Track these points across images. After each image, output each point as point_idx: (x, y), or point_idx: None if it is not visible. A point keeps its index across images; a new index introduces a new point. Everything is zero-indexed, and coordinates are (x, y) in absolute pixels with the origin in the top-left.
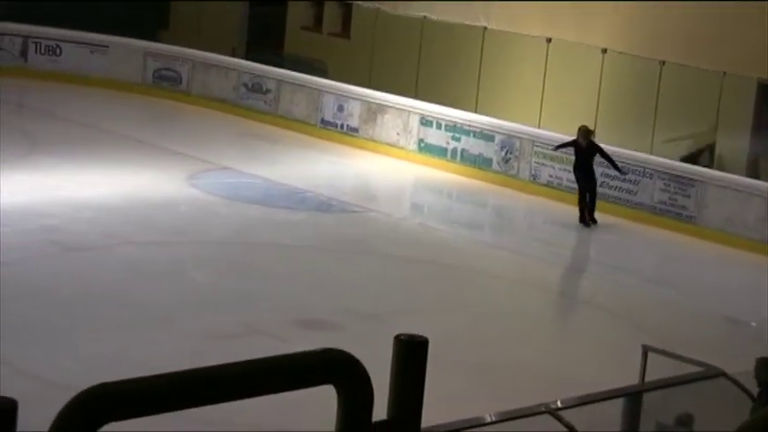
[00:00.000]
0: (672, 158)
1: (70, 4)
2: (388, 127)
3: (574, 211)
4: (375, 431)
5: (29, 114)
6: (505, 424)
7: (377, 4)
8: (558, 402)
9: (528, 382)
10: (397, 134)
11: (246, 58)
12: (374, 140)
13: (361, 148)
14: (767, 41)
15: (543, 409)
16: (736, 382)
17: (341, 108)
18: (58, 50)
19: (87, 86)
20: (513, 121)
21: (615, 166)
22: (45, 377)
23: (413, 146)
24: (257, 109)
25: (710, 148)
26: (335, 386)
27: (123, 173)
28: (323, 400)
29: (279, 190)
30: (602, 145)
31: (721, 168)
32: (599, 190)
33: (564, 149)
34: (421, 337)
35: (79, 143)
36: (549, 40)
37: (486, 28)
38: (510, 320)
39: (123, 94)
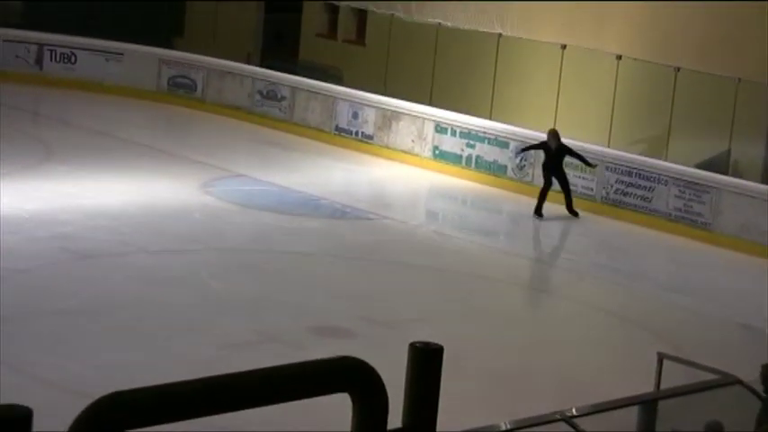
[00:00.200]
0: (687, 165)
1: (85, 11)
2: (402, 134)
3: (589, 218)
4: None
5: (44, 122)
6: (520, 431)
7: (397, 5)
8: (573, 410)
9: (543, 390)
10: (412, 141)
11: (261, 66)
12: (389, 147)
13: (375, 155)
14: None
15: (558, 416)
16: (751, 390)
17: (356, 115)
18: (73, 58)
19: (102, 94)
20: (527, 128)
21: (586, 162)
22: (60, 385)
23: (428, 153)
24: (272, 116)
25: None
26: (351, 394)
27: (138, 180)
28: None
29: (294, 197)
30: (610, 150)
31: (736, 175)
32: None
33: (533, 151)
34: (436, 344)
35: (94, 151)
36: (563, 47)
37: (500, 34)
38: (526, 327)
39: (138, 102)
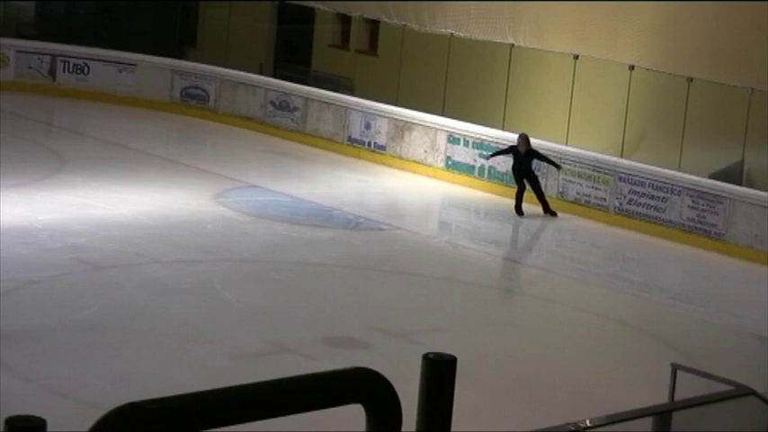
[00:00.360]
0: (700, 175)
1: (98, 22)
2: (415, 144)
3: (602, 229)
4: None
5: (57, 133)
6: None
7: (410, 16)
8: (587, 421)
9: (556, 400)
10: (425, 151)
11: (274, 76)
12: (401, 158)
13: (388, 165)
14: None
15: (572, 427)
16: (766, 401)
17: (368, 125)
18: (85, 69)
19: (115, 105)
20: (540, 138)
21: (553, 164)
22: (73, 396)
23: (440, 163)
24: (285, 127)
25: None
26: (364, 405)
27: (151, 191)
28: (347, 415)
29: (306, 208)
30: (623, 160)
31: (750, 185)
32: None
33: (502, 156)
34: (449, 355)
35: (107, 161)
36: (576, 57)
37: (513, 45)
38: (538, 338)
39: (151, 113)
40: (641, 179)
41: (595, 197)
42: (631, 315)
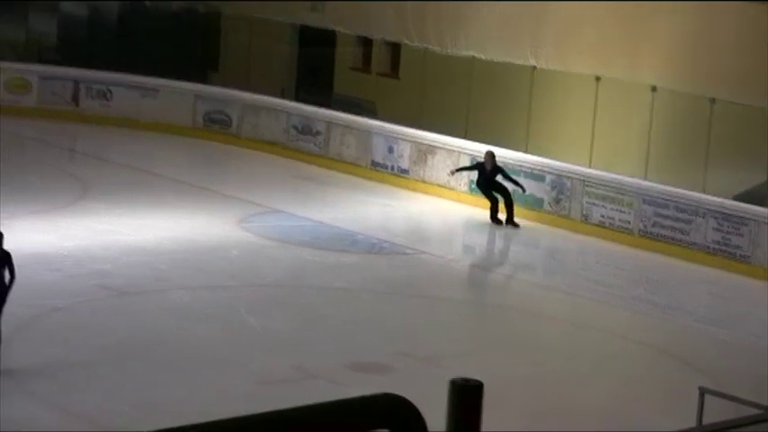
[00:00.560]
0: (725, 197)
1: (120, 48)
2: (438, 168)
3: (626, 251)
4: None
5: (80, 159)
6: None
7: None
8: None
9: (583, 424)
10: (448, 175)
11: (296, 100)
12: (425, 182)
13: (411, 189)
14: None
15: None
16: None
17: (391, 149)
18: (108, 94)
19: (138, 130)
20: (563, 161)
21: (518, 184)
22: (99, 421)
23: (464, 187)
24: (308, 151)
25: None
26: (391, 431)
27: (175, 216)
28: None
29: (330, 232)
30: (649, 183)
31: None
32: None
33: (467, 171)
34: (476, 380)
35: (130, 187)
36: (598, 79)
37: (534, 67)
38: (565, 362)
39: (174, 138)
40: (665, 201)
41: (619, 220)
42: (656, 338)
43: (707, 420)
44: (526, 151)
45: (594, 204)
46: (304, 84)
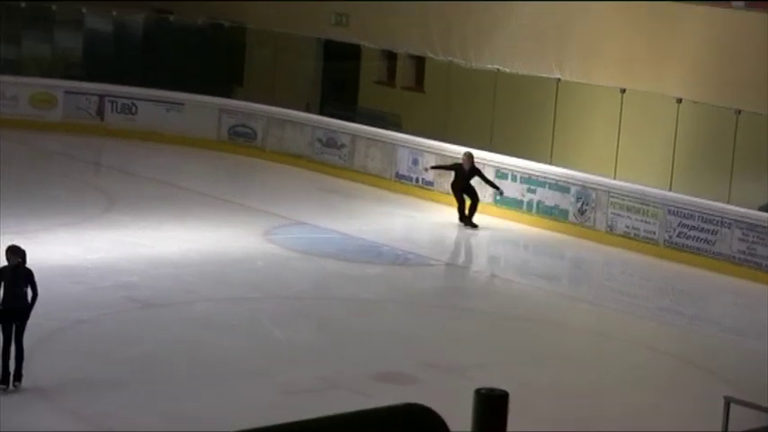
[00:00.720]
0: (750, 207)
1: (145, 62)
2: None
3: (652, 262)
4: None
5: (106, 172)
6: None
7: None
8: None
9: None
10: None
11: (321, 113)
12: (450, 194)
13: (436, 201)
14: None
15: None
16: None
17: (416, 161)
18: (133, 108)
19: (163, 144)
20: (588, 172)
21: (494, 186)
22: None
23: (488, 198)
24: (332, 164)
25: None
26: None
27: (200, 229)
28: None
29: (355, 244)
30: (674, 194)
31: None
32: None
33: (444, 171)
34: (501, 390)
35: (156, 200)
36: (623, 91)
37: (559, 79)
38: (590, 372)
39: (199, 151)
40: (690, 212)
41: (645, 230)
42: (682, 348)
43: (732, 430)
44: (551, 163)
45: (619, 215)
46: (329, 98)
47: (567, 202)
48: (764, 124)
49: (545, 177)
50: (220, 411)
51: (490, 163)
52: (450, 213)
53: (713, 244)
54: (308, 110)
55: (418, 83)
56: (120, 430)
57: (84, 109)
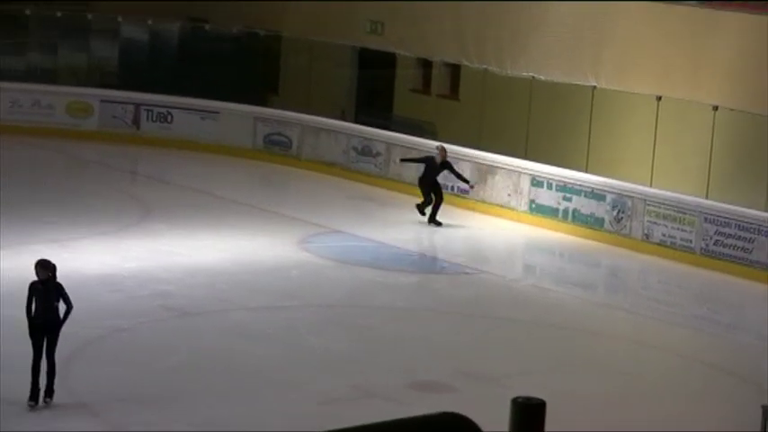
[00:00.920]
0: None
1: (181, 71)
2: (498, 188)
3: (688, 270)
4: None
5: (141, 181)
6: None
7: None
8: None
9: None
10: (508, 195)
11: (356, 122)
12: (485, 202)
13: (471, 209)
14: None
15: None
16: None
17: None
18: (169, 117)
19: (198, 152)
20: (624, 180)
21: (464, 179)
22: None
23: (524, 207)
24: (367, 172)
25: None
26: None
27: (236, 238)
28: None
29: (390, 252)
30: (711, 202)
31: None
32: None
33: (415, 163)
34: (538, 399)
35: (191, 209)
36: (659, 98)
37: (595, 87)
38: (627, 381)
39: (234, 160)
40: (727, 220)
41: (681, 239)
42: (719, 356)
43: None
44: (586, 171)
45: (656, 223)
46: (364, 106)
47: (603, 211)
48: None
49: (581, 185)
50: (256, 420)
51: (526, 171)
52: (487, 222)
53: (750, 252)
54: (342, 118)
55: (453, 91)
56: None
57: (120, 118)
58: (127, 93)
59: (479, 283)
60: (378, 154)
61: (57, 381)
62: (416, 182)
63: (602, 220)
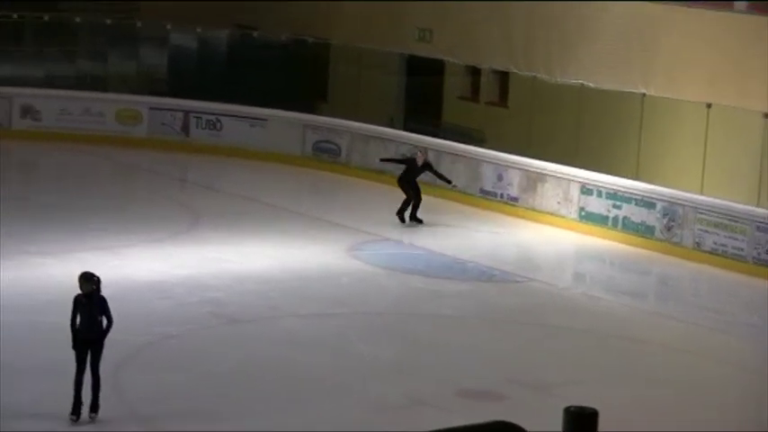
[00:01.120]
0: None
1: (229, 78)
2: (548, 196)
3: (740, 278)
4: None
5: (191, 188)
6: None
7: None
8: None
9: None
10: (558, 203)
11: (404, 129)
12: (535, 210)
13: (521, 217)
14: None
15: None
16: None
17: (500, 177)
18: (218, 125)
19: (247, 160)
20: (674, 188)
21: (446, 180)
22: None
23: (574, 214)
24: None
25: None
26: None
27: (285, 245)
28: None
29: (440, 260)
30: (762, 210)
31: None
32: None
33: (395, 164)
34: (590, 408)
35: (241, 216)
36: (708, 106)
37: (644, 94)
38: (679, 390)
39: (283, 167)
40: None
41: (732, 247)
42: None
43: None
44: (636, 178)
45: (707, 232)
46: (412, 113)
47: (654, 219)
48: None
49: (631, 193)
50: (306, 427)
51: (575, 178)
52: (536, 230)
53: None
54: (391, 125)
55: (502, 98)
56: None
57: (169, 125)
58: (176, 100)
59: (529, 292)
60: None
61: (106, 388)
62: (466, 189)
63: (653, 228)
